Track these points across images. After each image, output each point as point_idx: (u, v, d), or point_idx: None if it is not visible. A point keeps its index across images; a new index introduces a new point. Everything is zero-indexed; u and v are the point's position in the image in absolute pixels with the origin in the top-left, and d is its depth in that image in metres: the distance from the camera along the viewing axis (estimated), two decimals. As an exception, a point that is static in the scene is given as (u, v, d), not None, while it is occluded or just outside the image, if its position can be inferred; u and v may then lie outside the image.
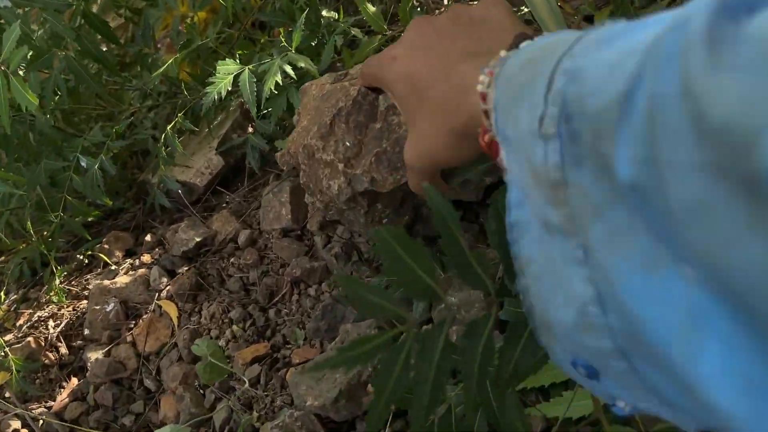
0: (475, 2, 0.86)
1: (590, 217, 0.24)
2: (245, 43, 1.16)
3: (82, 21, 1.04)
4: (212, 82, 0.96)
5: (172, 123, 1.05)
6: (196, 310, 0.94)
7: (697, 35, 0.17)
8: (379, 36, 0.97)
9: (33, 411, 0.88)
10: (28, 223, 1.01)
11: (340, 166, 0.73)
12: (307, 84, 0.87)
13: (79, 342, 0.97)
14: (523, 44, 0.34)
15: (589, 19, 1.02)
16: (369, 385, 0.68)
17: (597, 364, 0.28)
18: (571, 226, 0.25)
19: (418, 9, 1.09)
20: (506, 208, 0.31)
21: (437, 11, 1.14)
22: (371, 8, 0.94)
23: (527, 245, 0.31)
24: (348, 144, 0.72)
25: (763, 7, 0.17)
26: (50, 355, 0.96)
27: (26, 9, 1.19)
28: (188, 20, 1.37)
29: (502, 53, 0.34)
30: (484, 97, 0.33)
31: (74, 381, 0.92)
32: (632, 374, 0.26)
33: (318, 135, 0.75)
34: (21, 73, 1.00)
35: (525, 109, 0.27)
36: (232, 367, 0.86)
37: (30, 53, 0.98)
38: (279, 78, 0.89)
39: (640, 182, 0.20)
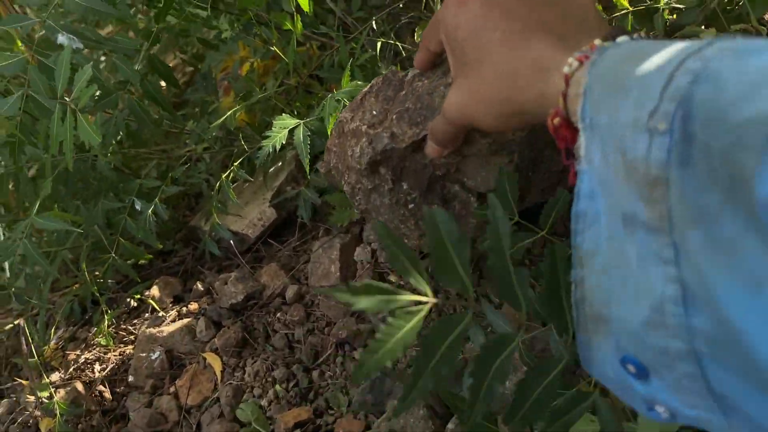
0: None
1: (692, 220, 0.24)
2: (303, 96, 1.17)
3: (147, 65, 1.07)
4: (268, 136, 0.96)
5: (227, 172, 1.05)
6: (240, 365, 0.93)
7: None
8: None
9: (74, 459, 0.88)
10: (83, 263, 1.02)
11: (364, 128, 0.72)
12: None
13: (123, 388, 0.97)
14: (621, 38, 0.34)
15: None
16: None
17: (654, 364, 0.28)
18: (663, 224, 0.25)
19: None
20: (575, 197, 0.31)
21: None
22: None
23: (592, 237, 0.31)
24: (375, 113, 0.72)
25: None
26: (94, 399, 0.96)
27: (95, 51, 1.23)
28: (247, 65, 1.40)
29: (597, 42, 0.34)
30: (567, 80, 0.34)
31: (115, 429, 0.92)
32: (695, 378, 0.26)
33: (349, 110, 0.75)
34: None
35: (630, 100, 0.26)
36: (273, 430, 0.84)
37: (98, 93, 1.01)
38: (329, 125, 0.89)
39: None
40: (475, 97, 0.42)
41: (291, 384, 0.89)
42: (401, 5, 1.32)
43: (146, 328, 1.00)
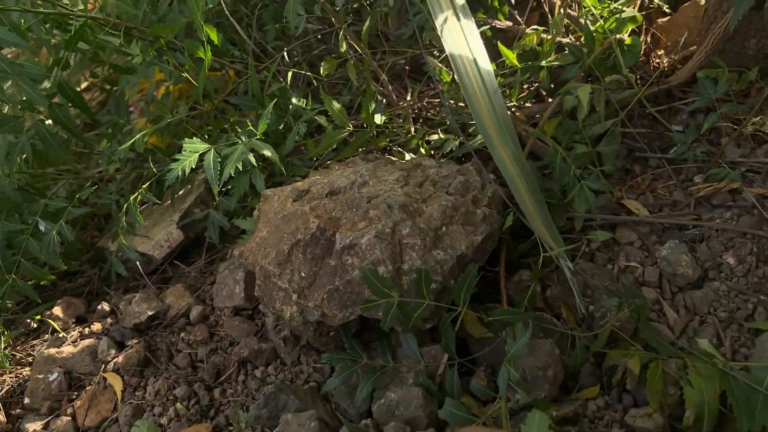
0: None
1: None
2: (216, 121, 1.21)
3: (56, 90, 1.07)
4: (178, 159, 0.99)
5: (136, 194, 1.07)
6: (142, 384, 0.94)
7: None
8: (344, 131, 1.03)
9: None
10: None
11: (294, 296, 0.78)
12: (269, 192, 0.92)
13: (18, 411, 0.96)
14: None
15: (535, 125, 1.10)
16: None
17: None
18: None
19: (384, 101, 1.16)
20: None
21: (401, 103, 1.22)
22: (336, 105, 1.00)
23: None
24: (303, 275, 0.77)
25: None
26: (-14, 423, 0.94)
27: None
28: (163, 88, 1.41)
29: None
30: None
31: (8, 452, 0.91)
32: None
33: (275, 262, 0.80)
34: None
35: None
36: (171, 448, 0.86)
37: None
38: (240, 165, 0.94)
39: None
40: None
41: (192, 402, 0.91)
42: (318, 36, 1.39)
43: (45, 349, 0.99)
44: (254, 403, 0.85)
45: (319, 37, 1.41)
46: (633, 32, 1.21)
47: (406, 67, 1.38)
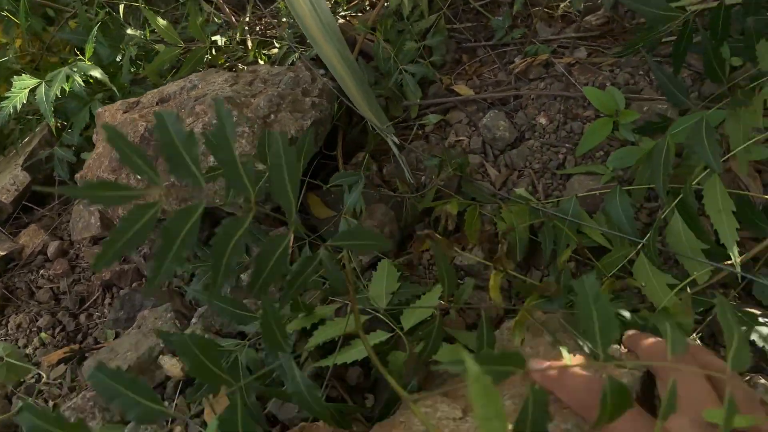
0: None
1: None
2: (53, 64, 1.17)
3: None
4: (8, 97, 0.97)
5: (-28, 143, 1.04)
6: (3, 323, 0.93)
7: None
8: (176, 48, 1.03)
9: None
10: None
11: None
12: (100, 109, 0.92)
13: None
14: None
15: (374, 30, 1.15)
16: (159, 359, 0.73)
17: None
18: None
19: (222, 23, 1.17)
20: None
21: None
22: (162, 21, 1.00)
23: None
24: (138, 177, 0.78)
25: None
26: None
27: None
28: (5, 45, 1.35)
29: None
30: None
31: None
32: None
33: (110, 169, 0.81)
34: None
35: None
36: (39, 370, 0.86)
37: None
38: (66, 85, 0.93)
39: None
40: None
41: (57, 330, 0.92)
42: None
43: None
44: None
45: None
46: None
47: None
